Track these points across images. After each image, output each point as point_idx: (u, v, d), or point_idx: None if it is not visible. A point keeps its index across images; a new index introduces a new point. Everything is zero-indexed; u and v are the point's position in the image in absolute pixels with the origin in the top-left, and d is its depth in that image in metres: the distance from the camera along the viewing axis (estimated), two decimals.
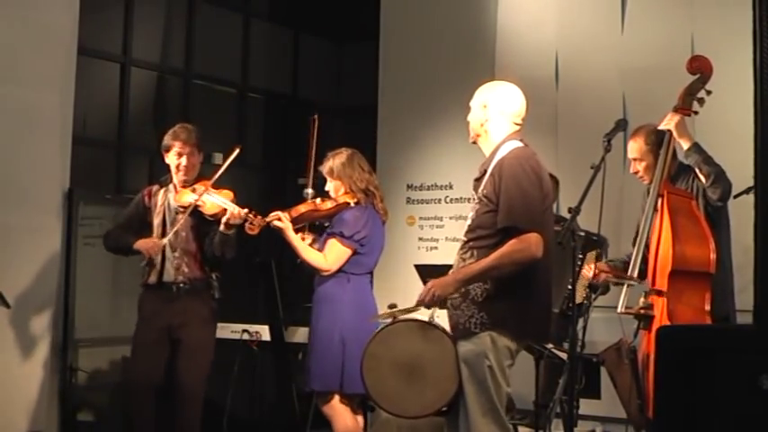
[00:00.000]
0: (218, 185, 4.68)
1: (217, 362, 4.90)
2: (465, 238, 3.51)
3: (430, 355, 3.40)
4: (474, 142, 3.66)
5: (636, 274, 3.96)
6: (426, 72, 6.84)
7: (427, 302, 3.42)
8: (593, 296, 4.35)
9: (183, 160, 4.68)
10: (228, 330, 5.42)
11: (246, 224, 4.49)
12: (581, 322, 3.95)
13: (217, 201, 4.60)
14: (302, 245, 4.40)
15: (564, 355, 4.22)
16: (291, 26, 7.67)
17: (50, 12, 5.41)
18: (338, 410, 4.36)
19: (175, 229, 4.61)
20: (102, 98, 6.23)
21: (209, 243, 4.64)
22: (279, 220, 4.36)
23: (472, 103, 3.63)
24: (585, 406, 4.73)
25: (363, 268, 4.45)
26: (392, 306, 3.68)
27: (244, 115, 7.27)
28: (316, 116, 4.72)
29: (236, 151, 4.68)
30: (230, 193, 4.66)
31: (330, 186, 4.52)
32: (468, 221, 3.52)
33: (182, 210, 4.66)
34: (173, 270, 4.62)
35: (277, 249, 6.77)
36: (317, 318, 4.42)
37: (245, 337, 5.35)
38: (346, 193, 4.46)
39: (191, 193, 4.65)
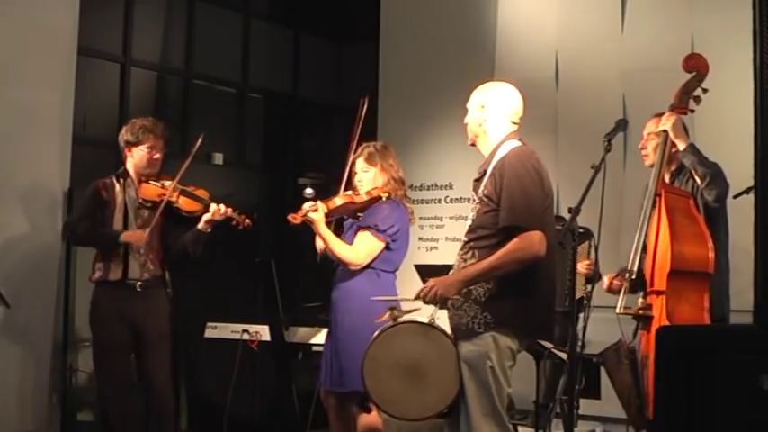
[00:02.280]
0: (188, 183, 4.64)
1: (217, 362, 4.90)
2: (465, 239, 3.50)
3: (431, 357, 3.39)
4: (472, 144, 3.65)
5: (634, 276, 3.95)
6: (426, 72, 6.84)
7: (428, 300, 3.41)
8: (591, 288, 4.35)
9: (156, 155, 4.63)
10: (228, 330, 5.42)
11: (233, 221, 4.46)
12: (581, 322, 3.95)
13: (195, 198, 4.58)
14: (333, 237, 4.23)
15: (564, 355, 4.22)
16: (291, 26, 7.67)
17: (50, 12, 5.41)
18: (373, 408, 4.25)
19: (153, 225, 4.53)
20: (102, 98, 6.23)
21: (174, 239, 4.61)
22: (315, 210, 4.17)
23: (469, 105, 3.62)
24: (585, 406, 4.73)
25: (391, 265, 4.32)
26: (393, 308, 3.67)
27: (244, 115, 7.27)
28: (366, 98, 4.53)
29: (200, 140, 4.64)
30: (206, 192, 4.64)
31: (366, 176, 4.35)
32: (469, 222, 3.52)
33: (148, 204, 4.60)
34: (138, 267, 4.55)
35: (277, 249, 6.79)
36: (348, 315, 4.24)
37: (245, 337, 5.34)
38: (384, 184, 4.33)
39: (159, 188, 4.59)
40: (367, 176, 4.36)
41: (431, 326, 3.43)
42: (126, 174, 4.67)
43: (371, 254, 4.24)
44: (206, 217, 4.53)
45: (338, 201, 4.27)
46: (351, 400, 4.32)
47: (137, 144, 4.62)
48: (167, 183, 4.60)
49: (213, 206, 4.52)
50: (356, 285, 4.27)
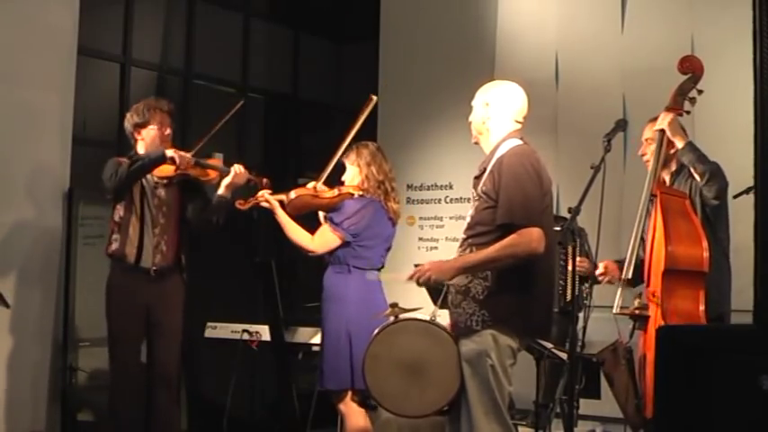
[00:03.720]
0: (201, 155, 4.64)
1: (217, 362, 4.88)
2: (464, 235, 3.51)
3: (432, 355, 3.40)
4: (476, 143, 3.66)
5: (630, 275, 3.96)
6: (426, 72, 6.84)
7: (421, 282, 3.41)
8: (586, 287, 4.35)
9: (167, 130, 4.62)
10: (228, 330, 5.42)
11: (252, 181, 4.54)
12: (581, 322, 3.95)
13: (210, 167, 4.60)
14: (291, 224, 4.41)
15: (564, 355, 4.22)
16: (291, 26, 7.66)
17: (50, 12, 5.41)
18: (352, 409, 4.35)
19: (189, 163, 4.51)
20: (102, 98, 6.23)
21: (194, 211, 4.61)
22: (265, 201, 4.39)
23: (474, 103, 3.63)
24: (585, 406, 4.73)
25: (365, 263, 4.39)
26: (394, 305, 3.67)
27: (244, 115, 7.26)
28: (374, 97, 4.62)
29: (239, 105, 4.71)
30: (219, 161, 4.66)
31: (348, 174, 4.51)
32: (468, 219, 3.52)
33: (164, 182, 4.58)
34: (151, 248, 4.52)
35: (277, 249, 6.79)
36: (325, 315, 4.40)
37: (245, 337, 5.34)
38: (360, 183, 4.43)
39: (170, 166, 4.53)
40: (348, 175, 4.51)
41: (432, 324, 3.43)
42: (139, 157, 4.61)
43: (326, 245, 4.37)
44: (226, 181, 4.55)
45: (300, 191, 4.40)
46: (335, 397, 4.39)
47: (145, 124, 4.60)
48: (184, 157, 4.56)
49: (233, 169, 4.55)
50: (331, 285, 4.40)
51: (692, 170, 4.03)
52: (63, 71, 5.50)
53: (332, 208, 4.41)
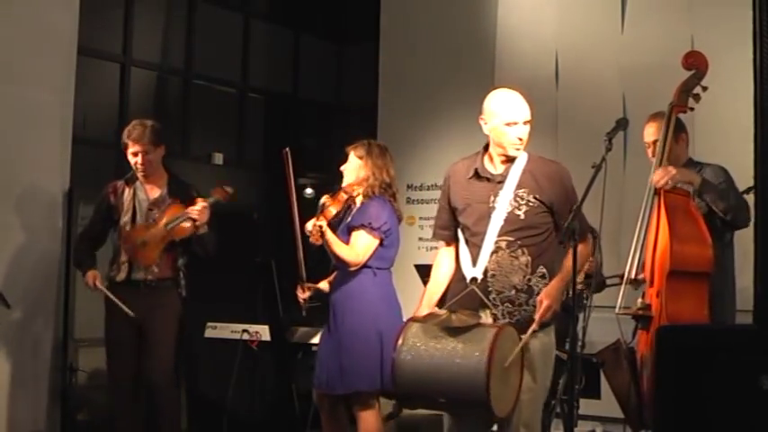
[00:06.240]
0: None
1: (217, 362, 4.86)
2: (511, 238, 3.58)
3: (514, 356, 3.43)
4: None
5: (634, 275, 3.94)
6: (426, 72, 6.84)
7: (549, 318, 3.53)
8: (591, 289, 4.34)
9: (139, 158, 4.65)
10: (228, 330, 5.42)
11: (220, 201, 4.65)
12: (581, 322, 3.95)
13: (182, 220, 4.58)
14: (336, 241, 4.23)
15: (564, 355, 4.22)
16: (291, 26, 7.66)
17: (50, 12, 5.41)
18: (374, 410, 4.28)
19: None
20: (102, 98, 6.23)
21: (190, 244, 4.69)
22: (320, 228, 4.16)
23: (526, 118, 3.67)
24: (585, 406, 4.73)
25: (386, 263, 4.35)
26: (454, 311, 3.60)
27: (244, 115, 7.27)
28: (287, 150, 4.42)
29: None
30: (182, 208, 4.63)
31: (350, 166, 4.39)
32: (498, 222, 3.58)
33: (152, 207, 4.66)
34: (143, 270, 4.61)
35: (277, 249, 6.78)
36: (348, 315, 4.27)
37: (245, 337, 5.34)
38: (364, 179, 4.33)
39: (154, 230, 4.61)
40: (350, 166, 4.39)
41: (505, 326, 3.47)
42: (135, 177, 4.73)
43: (368, 252, 4.26)
44: (196, 224, 4.59)
45: (333, 210, 4.25)
46: (352, 401, 4.32)
47: (125, 148, 4.71)
48: (162, 222, 4.62)
49: (190, 212, 4.56)
50: (355, 286, 4.30)
51: (714, 208, 3.95)
52: (63, 71, 5.50)
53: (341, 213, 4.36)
